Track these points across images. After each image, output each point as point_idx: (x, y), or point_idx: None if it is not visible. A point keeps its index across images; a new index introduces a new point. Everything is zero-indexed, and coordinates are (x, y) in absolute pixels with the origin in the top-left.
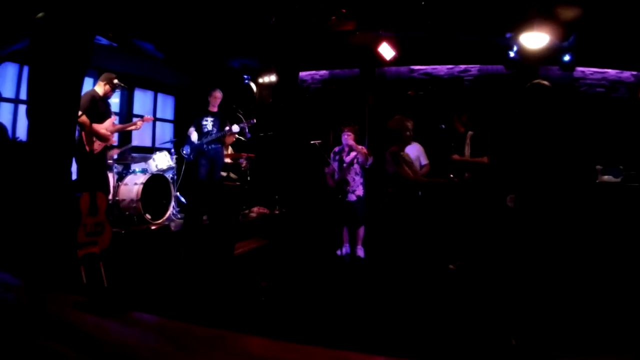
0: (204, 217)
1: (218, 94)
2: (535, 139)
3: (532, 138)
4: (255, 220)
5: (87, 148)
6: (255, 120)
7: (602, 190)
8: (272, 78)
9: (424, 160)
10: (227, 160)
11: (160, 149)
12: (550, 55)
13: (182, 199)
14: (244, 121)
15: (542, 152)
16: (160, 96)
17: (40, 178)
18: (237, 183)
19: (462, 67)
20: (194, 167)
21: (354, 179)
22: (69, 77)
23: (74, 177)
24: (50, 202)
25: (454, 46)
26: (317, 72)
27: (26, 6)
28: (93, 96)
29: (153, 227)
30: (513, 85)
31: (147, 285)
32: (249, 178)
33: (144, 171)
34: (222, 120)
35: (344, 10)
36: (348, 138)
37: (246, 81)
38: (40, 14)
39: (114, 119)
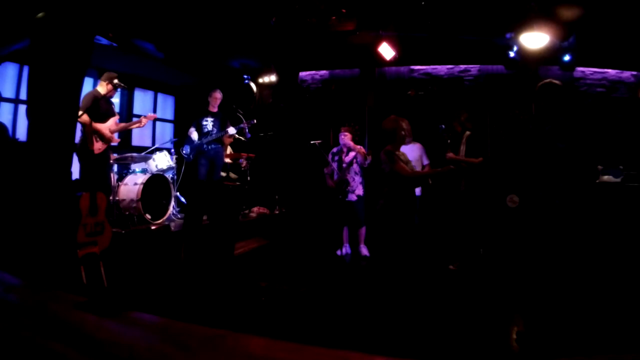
0: (204, 217)
1: (218, 95)
2: (547, 138)
3: (543, 138)
4: (255, 220)
5: (89, 147)
6: (255, 121)
7: (602, 190)
8: (272, 78)
9: (426, 160)
10: (227, 160)
11: (160, 149)
12: (550, 55)
13: (182, 199)
14: (244, 121)
15: (553, 151)
16: (160, 96)
17: (40, 178)
18: (237, 183)
19: (462, 67)
20: (194, 167)
21: (353, 179)
22: (69, 77)
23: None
24: (50, 202)
25: (454, 46)
26: (317, 72)
27: (26, 6)
28: (95, 95)
29: (153, 227)
30: (513, 85)
31: (147, 285)
32: (249, 178)
33: (144, 171)
34: (222, 120)
35: (344, 10)
36: (345, 138)
37: (246, 81)
38: (40, 14)
39: (116, 118)
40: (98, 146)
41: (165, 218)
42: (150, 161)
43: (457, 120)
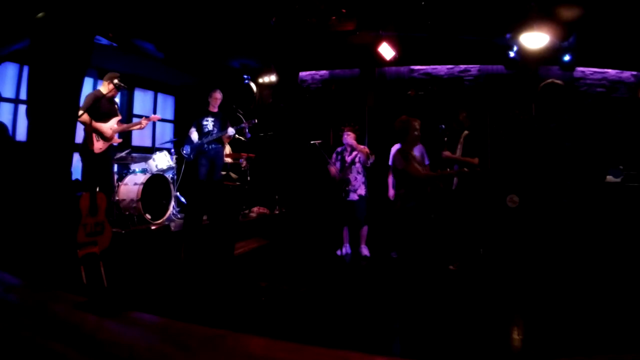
0: (204, 217)
1: (218, 95)
2: (553, 137)
3: (549, 137)
4: (255, 220)
5: (89, 147)
6: (256, 120)
7: (602, 190)
8: (272, 78)
9: (427, 161)
10: (227, 160)
11: (160, 149)
12: (550, 55)
13: (182, 199)
14: (245, 121)
15: (560, 150)
16: (160, 96)
17: (40, 178)
18: (237, 183)
19: (462, 67)
20: (194, 167)
21: (355, 178)
22: (69, 77)
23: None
24: (50, 202)
25: (454, 46)
26: (317, 72)
27: (26, 6)
28: (96, 95)
29: (153, 227)
30: (513, 85)
31: (147, 285)
32: (249, 178)
33: (144, 171)
34: (222, 120)
35: (344, 10)
36: (348, 138)
37: (246, 81)
38: (40, 14)
39: (119, 118)
40: (99, 146)
41: (165, 218)
42: (150, 161)
43: (456, 119)
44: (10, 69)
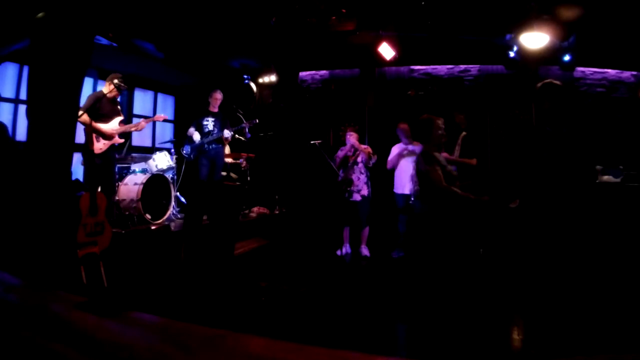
0: (204, 217)
1: (218, 95)
2: (548, 139)
3: (544, 138)
4: (255, 220)
5: (89, 147)
6: (257, 120)
7: (602, 190)
8: (272, 78)
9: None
10: (228, 160)
11: (160, 149)
12: (550, 55)
13: (182, 199)
14: (245, 121)
15: (556, 152)
16: (160, 96)
17: (40, 178)
18: (237, 183)
19: (462, 67)
20: (194, 167)
21: (358, 178)
22: (69, 77)
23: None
24: (50, 202)
25: (454, 46)
26: (317, 72)
27: (26, 6)
28: (97, 96)
29: (153, 227)
30: (513, 85)
31: (147, 285)
32: (249, 178)
33: (144, 171)
34: (222, 120)
35: (344, 10)
36: (351, 138)
37: (246, 81)
38: (40, 14)
39: (122, 119)
40: (99, 146)
41: (165, 218)
42: (150, 161)
43: (452, 121)
44: (10, 69)
